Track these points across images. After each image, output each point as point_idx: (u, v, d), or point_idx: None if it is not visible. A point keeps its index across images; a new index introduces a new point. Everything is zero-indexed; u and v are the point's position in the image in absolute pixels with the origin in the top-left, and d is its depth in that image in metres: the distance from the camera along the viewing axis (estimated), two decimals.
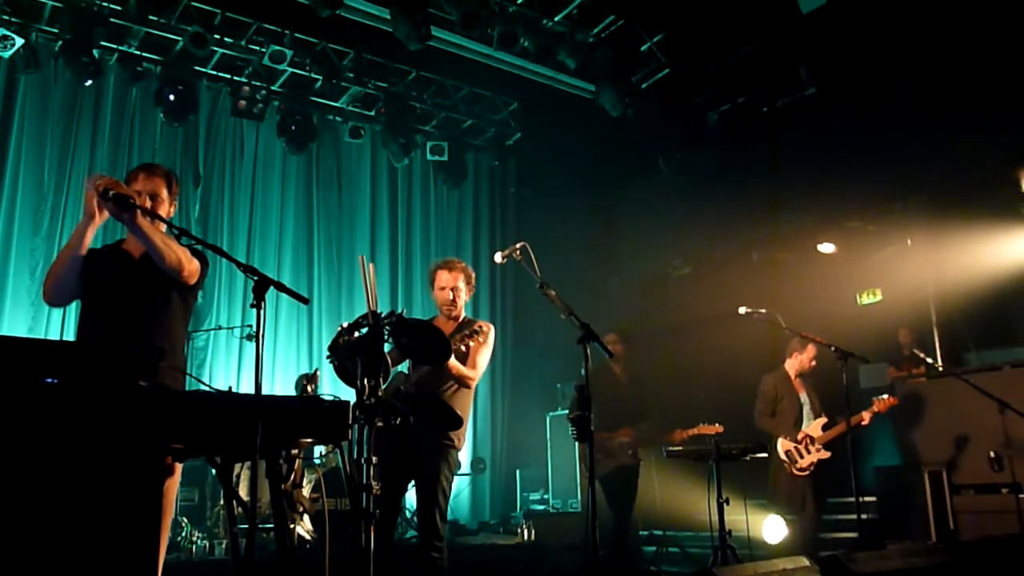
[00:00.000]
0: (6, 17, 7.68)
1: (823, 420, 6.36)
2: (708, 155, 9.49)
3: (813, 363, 6.51)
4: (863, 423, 6.22)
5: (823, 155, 8.48)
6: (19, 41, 7.65)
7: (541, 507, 9.34)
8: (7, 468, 2.07)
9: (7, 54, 7.70)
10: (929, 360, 6.88)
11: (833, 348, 5.78)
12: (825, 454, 6.21)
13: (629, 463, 6.29)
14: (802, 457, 6.21)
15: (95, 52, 8.10)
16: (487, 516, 10.03)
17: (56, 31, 8.00)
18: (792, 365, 6.56)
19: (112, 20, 8.06)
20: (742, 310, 5.97)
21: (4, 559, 2.03)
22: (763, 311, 5.96)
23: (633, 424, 6.38)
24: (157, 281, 3.36)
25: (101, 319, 3.34)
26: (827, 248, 8.47)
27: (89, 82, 8.20)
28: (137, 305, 3.35)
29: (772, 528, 7.03)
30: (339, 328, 3.40)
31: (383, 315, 3.38)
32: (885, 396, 6.28)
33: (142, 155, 8.89)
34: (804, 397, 6.51)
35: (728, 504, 5.37)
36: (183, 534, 6.50)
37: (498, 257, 4.35)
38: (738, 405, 6.19)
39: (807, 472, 6.22)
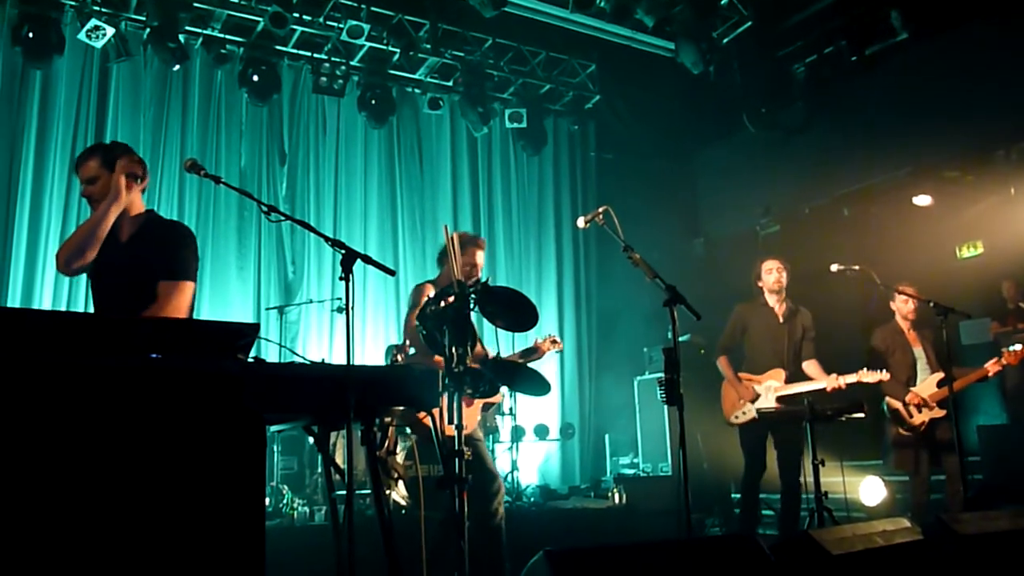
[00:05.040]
0: (97, 8, 7.95)
1: (937, 376, 5.94)
2: (794, 109, 9.21)
3: (911, 311, 6.09)
4: (988, 376, 5.84)
5: (917, 103, 8.11)
6: (110, 31, 7.91)
7: (631, 471, 9.34)
8: (121, 442, 2.18)
9: (99, 44, 7.98)
10: None
11: (932, 304, 5.56)
12: (939, 412, 5.82)
13: (771, 412, 5.76)
14: (912, 416, 5.89)
15: (181, 37, 8.33)
16: (577, 480, 10.08)
17: (143, 19, 8.24)
18: (901, 316, 6.19)
19: (195, 5, 8.27)
20: (834, 267, 5.79)
21: (115, 531, 2.14)
22: (856, 267, 5.78)
23: (787, 366, 5.95)
24: (143, 262, 3.41)
25: (105, 297, 3.45)
26: (923, 200, 8.11)
27: (176, 67, 8.43)
28: (127, 288, 3.40)
29: (870, 489, 6.87)
30: (426, 298, 3.44)
31: (469, 283, 3.41)
32: (1018, 347, 5.77)
33: (229, 136, 9.14)
34: (919, 352, 6.12)
35: (824, 465, 5.24)
36: (284, 501, 6.76)
37: (581, 222, 4.34)
38: (833, 365, 5.97)
39: (920, 432, 5.90)
